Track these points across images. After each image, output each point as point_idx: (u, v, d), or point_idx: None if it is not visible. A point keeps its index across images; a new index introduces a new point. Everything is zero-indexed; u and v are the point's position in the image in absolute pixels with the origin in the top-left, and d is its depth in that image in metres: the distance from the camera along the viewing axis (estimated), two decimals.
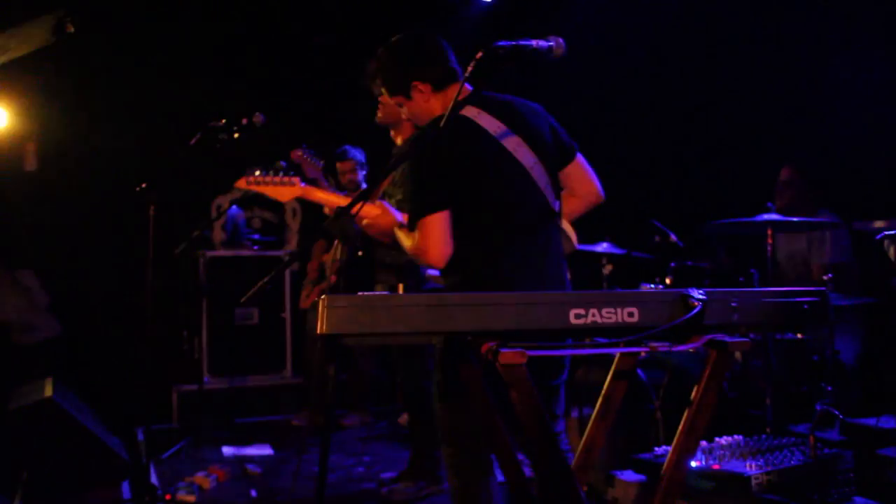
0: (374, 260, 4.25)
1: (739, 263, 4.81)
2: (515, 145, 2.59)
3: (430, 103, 2.69)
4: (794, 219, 4.19)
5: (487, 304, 1.83)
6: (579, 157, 2.78)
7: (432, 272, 3.33)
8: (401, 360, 4.25)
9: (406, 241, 2.67)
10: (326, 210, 4.07)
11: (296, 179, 2.96)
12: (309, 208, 7.03)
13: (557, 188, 2.70)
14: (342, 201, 2.92)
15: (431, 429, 4.12)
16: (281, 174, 2.97)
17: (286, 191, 2.98)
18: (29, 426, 4.02)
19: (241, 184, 2.98)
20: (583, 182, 2.79)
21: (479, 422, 2.34)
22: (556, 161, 2.69)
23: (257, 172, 2.98)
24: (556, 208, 2.67)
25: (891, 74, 4.85)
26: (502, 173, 2.57)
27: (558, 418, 2.73)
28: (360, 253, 4.44)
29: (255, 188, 2.97)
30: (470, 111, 2.61)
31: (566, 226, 2.78)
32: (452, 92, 2.62)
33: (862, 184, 4.94)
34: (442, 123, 2.35)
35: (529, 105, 2.73)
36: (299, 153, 4.35)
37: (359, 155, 5.48)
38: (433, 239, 2.49)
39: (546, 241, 2.62)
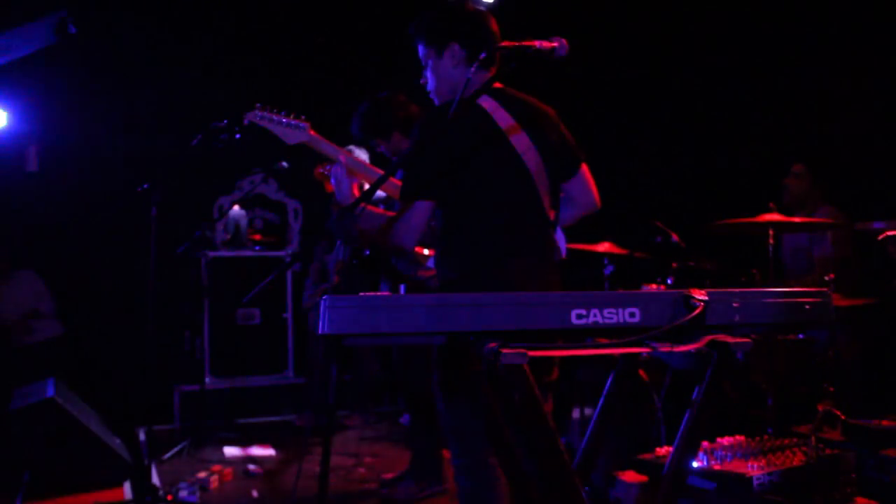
0: (382, 260, 4.24)
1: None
2: (525, 148, 2.56)
3: (455, 71, 2.64)
4: (795, 219, 4.19)
5: (489, 304, 1.82)
6: (584, 168, 2.76)
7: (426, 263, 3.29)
8: (402, 359, 4.25)
9: (377, 219, 2.62)
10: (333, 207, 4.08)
11: (306, 125, 2.85)
12: (310, 209, 7.04)
13: (556, 197, 2.68)
14: (341, 156, 2.82)
15: (433, 429, 4.12)
16: (292, 116, 2.86)
17: (293, 134, 2.85)
18: (30, 426, 4.02)
19: (251, 116, 2.87)
20: (584, 192, 2.77)
21: (482, 421, 2.34)
22: (560, 170, 2.67)
23: (265, 111, 2.86)
24: (552, 217, 2.65)
25: (892, 74, 4.85)
26: (506, 174, 2.54)
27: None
28: (367, 252, 4.44)
29: (262, 123, 2.86)
30: (488, 103, 2.57)
31: (558, 235, 2.76)
32: (478, 76, 2.57)
33: (863, 184, 4.94)
34: (452, 110, 2.32)
35: (543, 109, 2.69)
36: (320, 171, 4.36)
37: (362, 155, 5.49)
38: (409, 224, 2.48)
39: (543, 247, 2.60)
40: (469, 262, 2.52)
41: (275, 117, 2.84)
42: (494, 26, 2.69)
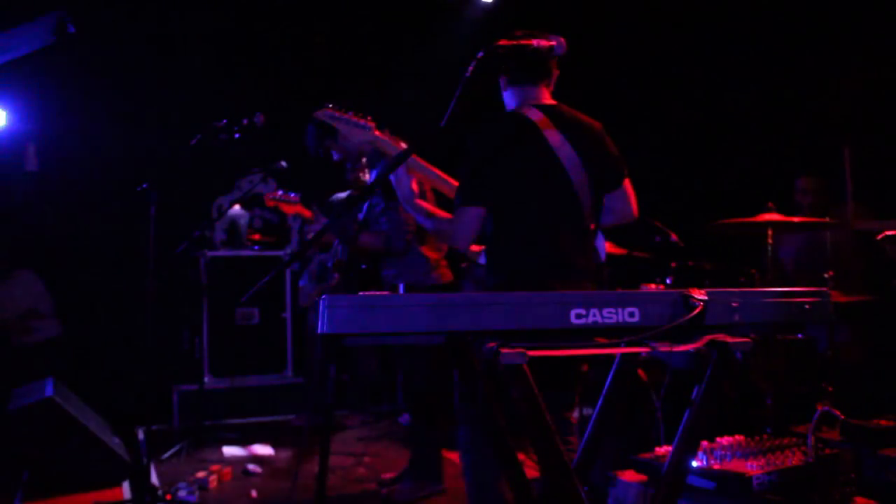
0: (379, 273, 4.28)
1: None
2: (571, 162, 2.66)
3: (506, 94, 2.82)
4: (794, 219, 4.19)
5: (488, 303, 1.82)
6: (626, 182, 2.86)
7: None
8: (402, 360, 4.26)
9: (436, 220, 2.77)
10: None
11: (372, 124, 2.92)
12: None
13: (598, 208, 2.79)
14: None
15: (432, 429, 4.12)
16: (359, 116, 2.92)
17: (359, 133, 2.92)
18: (29, 426, 4.02)
19: (321, 115, 2.91)
20: (625, 204, 2.89)
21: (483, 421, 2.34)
22: (604, 183, 2.77)
23: (334, 110, 2.91)
24: (592, 227, 2.76)
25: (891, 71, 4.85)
26: (550, 185, 2.64)
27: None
28: (363, 266, 4.46)
29: (329, 122, 2.92)
30: (538, 117, 2.67)
31: (599, 240, 2.88)
32: (530, 91, 2.75)
33: (863, 184, 4.93)
34: (500, 120, 2.58)
35: (590, 124, 2.80)
36: (271, 196, 4.43)
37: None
38: (463, 229, 2.62)
39: (580, 256, 2.69)
40: (511, 268, 2.64)
41: (342, 116, 2.91)
42: (541, 50, 2.73)
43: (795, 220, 4.19)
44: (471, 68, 2.42)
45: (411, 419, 4.29)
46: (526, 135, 2.63)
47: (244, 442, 5.37)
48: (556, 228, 2.63)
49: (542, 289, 2.50)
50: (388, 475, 4.45)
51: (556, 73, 2.82)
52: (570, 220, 2.67)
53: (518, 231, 2.63)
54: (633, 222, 2.96)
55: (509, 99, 2.81)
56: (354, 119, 2.91)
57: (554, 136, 2.65)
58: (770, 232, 4.08)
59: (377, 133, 2.93)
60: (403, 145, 2.96)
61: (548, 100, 2.78)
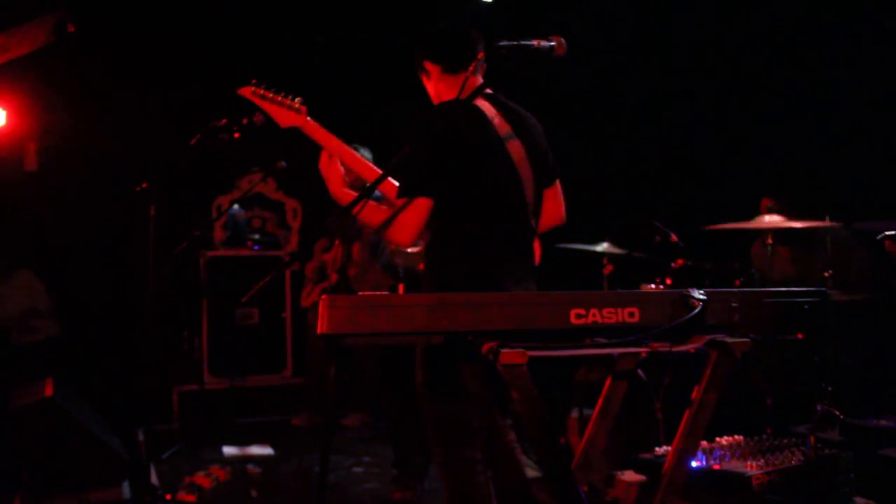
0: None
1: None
2: (519, 156, 2.59)
3: (438, 84, 2.72)
4: (795, 223, 4.19)
5: (488, 304, 1.83)
6: (558, 182, 2.81)
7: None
8: (376, 368, 4.27)
9: (370, 210, 2.56)
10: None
11: (303, 108, 2.72)
12: (309, 208, 7.03)
13: (539, 206, 2.71)
14: (335, 144, 2.70)
15: (413, 428, 4.13)
16: (289, 97, 2.74)
17: (288, 116, 2.72)
18: (29, 426, 4.01)
19: (245, 92, 2.75)
20: (556, 205, 2.82)
21: (473, 421, 2.34)
22: (543, 181, 2.71)
23: (261, 88, 2.74)
24: (533, 225, 2.68)
25: (891, 75, 4.85)
26: (501, 179, 2.56)
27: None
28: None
29: (257, 101, 2.74)
30: (487, 108, 2.60)
31: (535, 242, 2.79)
32: (470, 80, 2.63)
33: (862, 184, 4.94)
34: (451, 108, 2.43)
35: (533, 120, 2.74)
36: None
37: (367, 154, 5.48)
38: (408, 220, 2.45)
39: (527, 254, 2.64)
40: (459, 265, 2.52)
41: (270, 96, 2.75)
42: (469, 34, 2.75)
43: (796, 224, 4.19)
44: (471, 68, 2.43)
45: (389, 421, 4.30)
46: (478, 124, 2.54)
47: (244, 442, 5.37)
48: (504, 225, 2.55)
49: (491, 289, 2.43)
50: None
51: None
52: (517, 217, 2.60)
53: (464, 227, 2.51)
54: (563, 225, 2.85)
55: (445, 87, 2.70)
56: (280, 99, 2.73)
57: (503, 128, 2.58)
58: (769, 232, 4.08)
59: (308, 118, 2.73)
60: (332, 136, 2.73)
61: (486, 89, 2.68)
